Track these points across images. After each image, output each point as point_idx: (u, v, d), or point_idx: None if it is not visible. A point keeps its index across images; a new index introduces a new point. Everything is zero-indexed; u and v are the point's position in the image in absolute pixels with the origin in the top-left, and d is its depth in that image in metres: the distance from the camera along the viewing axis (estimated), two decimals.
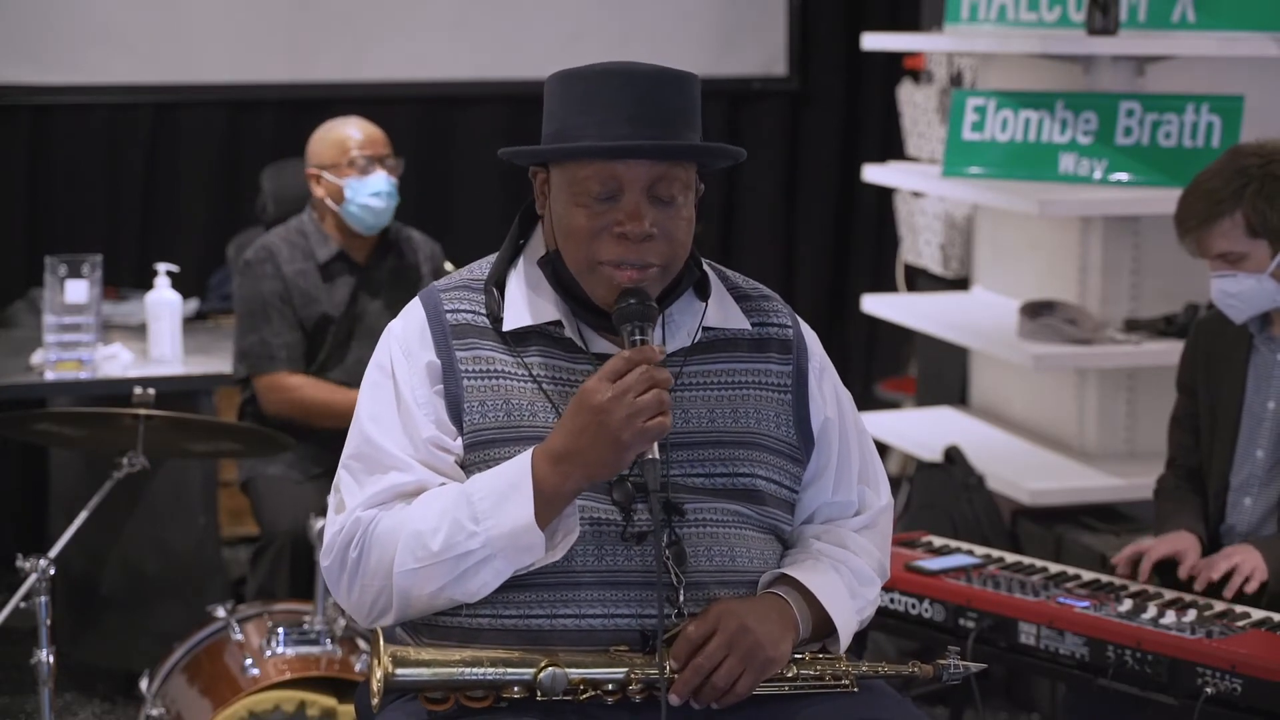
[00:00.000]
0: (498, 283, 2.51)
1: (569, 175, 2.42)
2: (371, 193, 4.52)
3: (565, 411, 2.35)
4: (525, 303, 2.48)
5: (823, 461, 2.58)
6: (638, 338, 2.37)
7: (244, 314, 4.57)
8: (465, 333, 2.47)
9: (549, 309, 2.48)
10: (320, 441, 4.43)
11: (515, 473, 2.35)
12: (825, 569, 2.50)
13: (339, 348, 4.58)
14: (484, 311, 2.49)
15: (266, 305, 4.52)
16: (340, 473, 2.49)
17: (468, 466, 2.43)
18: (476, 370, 2.45)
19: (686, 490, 2.45)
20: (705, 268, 2.56)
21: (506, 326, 2.47)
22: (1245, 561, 3.36)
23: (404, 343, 2.49)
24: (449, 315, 2.48)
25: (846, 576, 2.52)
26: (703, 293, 2.54)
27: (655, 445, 2.32)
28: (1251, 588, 3.34)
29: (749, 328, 2.56)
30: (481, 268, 2.56)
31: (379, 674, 2.32)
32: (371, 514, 2.41)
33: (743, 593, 2.46)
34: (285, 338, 4.53)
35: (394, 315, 2.58)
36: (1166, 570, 3.51)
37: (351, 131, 4.60)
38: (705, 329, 2.53)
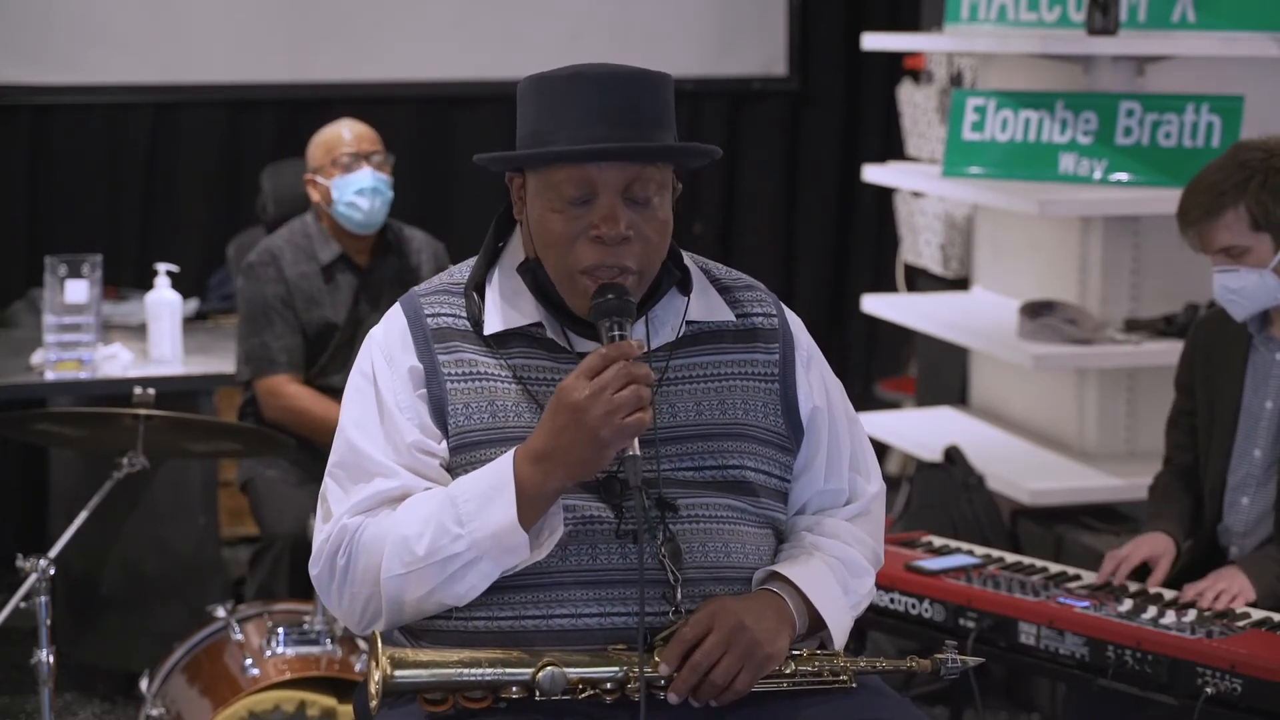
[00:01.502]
0: (477, 287, 2.50)
1: (544, 180, 2.42)
2: (355, 190, 4.52)
3: (545, 410, 2.35)
4: (506, 306, 2.48)
5: (813, 450, 2.57)
6: (615, 333, 2.36)
7: (246, 317, 4.58)
8: (447, 336, 2.47)
9: (529, 312, 2.48)
10: (320, 442, 4.44)
11: (497, 474, 2.35)
12: (817, 565, 2.49)
13: (341, 351, 4.58)
14: (464, 315, 2.49)
15: (268, 309, 4.53)
16: (326, 481, 2.49)
17: (454, 469, 2.43)
18: (459, 373, 2.45)
19: (677, 485, 2.45)
20: (687, 262, 2.55)
21: (487, 330, 2.46)
22: (1231, 585, 3.36)
23: (385, 348, 2.48)
24: (429, 319, 2.48)
25: (839, 571, 2.51)
26: (685, 288, 2.54)
27: (636, 441, 2.31)
28: (1236, 605, 3.34)
29: (733, 319, 2.55)
30: (461, 272, 2.56)
31: (377, 676, 2.32)
32: (357, 521, 2.41)
33: (738, 589, 2.45)
34: (286, 341, 4.53)
35: None
36: (1140, 576, 3.51)
37: (340, 132, 4.62)
38: (689, 323, 2.52)
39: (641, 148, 2.39)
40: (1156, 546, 3.51)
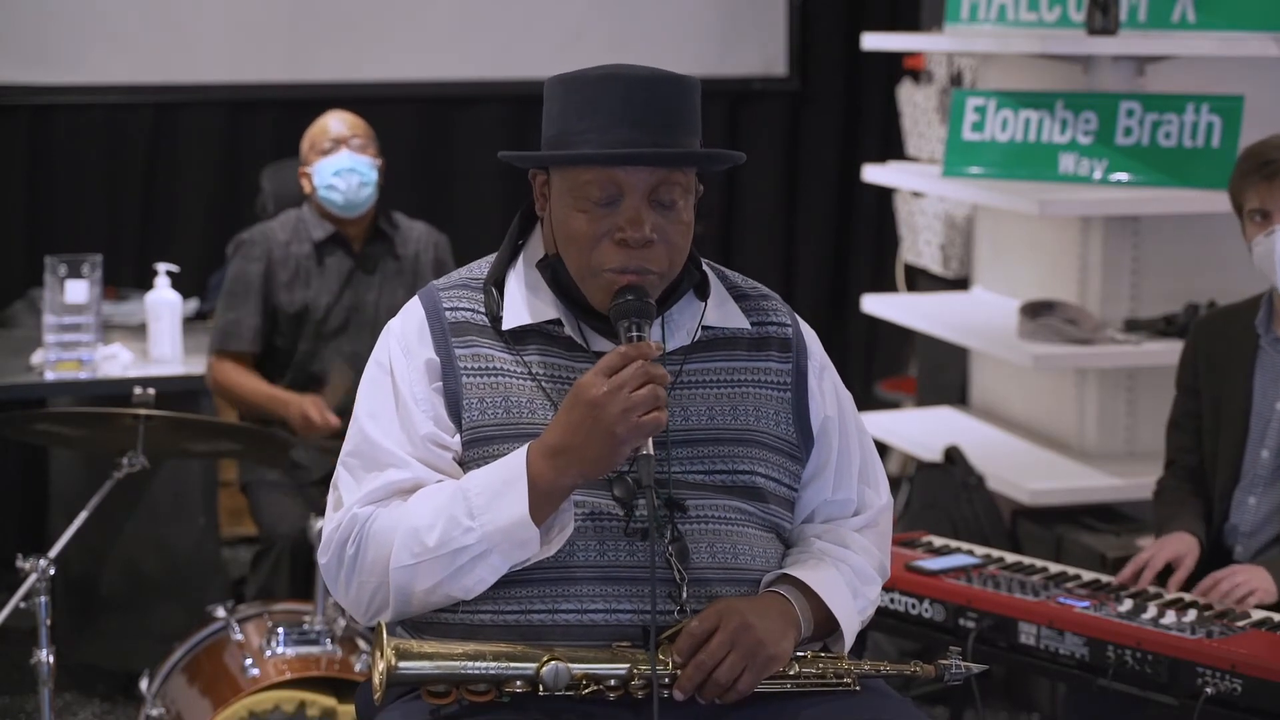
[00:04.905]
0: (497, 282, 2.52)
1: (570, 180, 2.43)
2: (333, 171, 4.56)
3: (561, 406, 2.36)
4: (524, 302, 2.49)
5: (822, 459, 2.58)
6: (635, 334, 2.37)
7: (227, 291, 4.63)
8: (464, 330, 2.48)
9: (548, 309, 2.49)
10: (320, 445, 4.46)
11: (510, 468, 2.35)
12: (828, 568, 2.51)
13: (332, 336, 4.59)
14: (483, 310, 2.50)
15: (249, 286, 4.58)
16: (339, 470, 2.50)
17: (467, 463, 2.44)
18: (476, 368, 2.46)
19: (687, 486, 2.46)
20: (705, 268, 2.57)
21: (506, 325, 2.48)
22: (1250, 580, 3.35)
23: (403, 340, 2.50)
24: (448, 313, 2.49)
25: (848, 575, 2.53)
26: (702, 293, 2.55)
27: (650, 441, 2.32)
28: (1249, 604, 3.33)
29: (748, 327, 2.57)
30: (481, 267, 2.57)
31: (382, 666, 2.33)
32: (368, 511, 2.42)
33: (745, 590, 2.46)
34: (255, 320, 4.57)
35: (390, 307, 2.59)
36: (1164, 575, 3.50)
37: (324, 123, 4.68)
38: (705, 328, 2.54)
39: (670, 153, 2.40)
40: (1180, 546, 3.50)
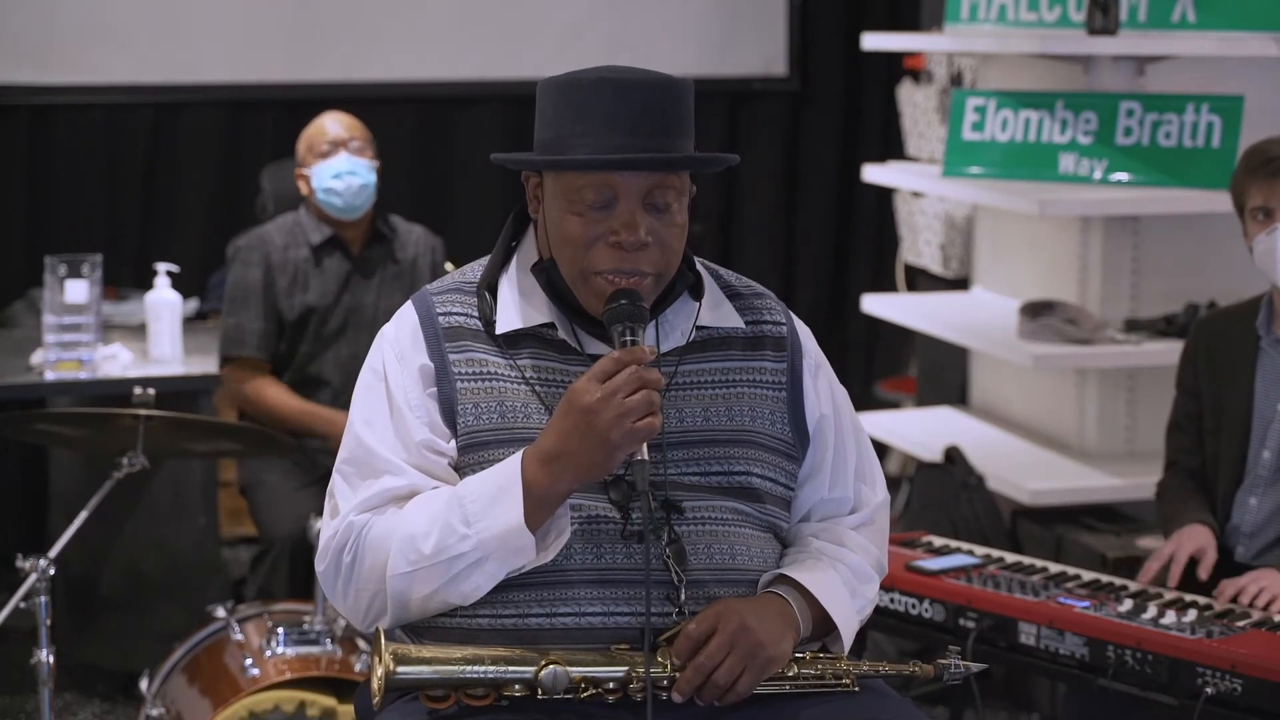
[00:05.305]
0: (490, 286, 2.51)
1: (564, 183, 2.43)
2: (332, 174, 4.57)
3: (555, 412, 2.35)
4: (517, 306, 2.49)
5: (818, 458, 2.58)
6: (628, 338, 2.37)
7: (228, 298, 4.65)
8: (458, 335, 2.48)
9: (541, 313, 2.48)
10: (319, 445, 4.46)
11: (505, 475, 2.35)
12: (825, 568, 2.51)
13: (331, 339, 4.59)
14: (476, 314, 2.49)
15: (248, 291, 4.59)
16: (334, 477, 2.50)
17: (462, 469, 2.43)
18: (470, 372, 2.45)
19: (683, 488, 2.45)
20: (699, 268, 2.56)
21: (499, 329, 2.47)
22: (1271, 586, 3.35)
23: (397, 346, 2.49)
24: (441, 318, 2.49)
25: (845, 575, 2.53)
26: (697, 294, 2.55)
27: (645, 446, 2.32)
28: (1273, 609, 3.32)
29: (743, 326, 2.56)
30: (474, 270, 2.56)
31: (380, 672, 2.32)
32: (364, 518, 2.42)
33: (743, 591, 2.46)
34: (258, 325, 4.59)
35: (389, 310, 2.58)
36: (1188, 571, 3.50)
37: (321, 124, 4.69)
38: (699, 328, 2.53)
39: (666, 158, 2.40)
40: (1199, 538, 3.50)
